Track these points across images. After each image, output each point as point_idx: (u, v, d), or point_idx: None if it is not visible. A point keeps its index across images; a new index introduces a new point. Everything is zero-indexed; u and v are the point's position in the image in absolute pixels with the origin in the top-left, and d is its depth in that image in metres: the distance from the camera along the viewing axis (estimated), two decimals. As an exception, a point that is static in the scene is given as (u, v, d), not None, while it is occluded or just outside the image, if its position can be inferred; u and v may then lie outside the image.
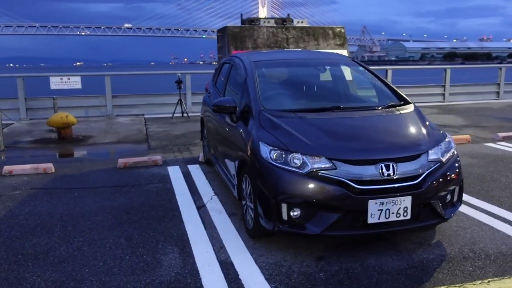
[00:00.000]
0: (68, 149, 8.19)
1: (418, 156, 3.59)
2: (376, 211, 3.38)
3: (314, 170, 3.41)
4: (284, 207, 3.44)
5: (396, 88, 4.62)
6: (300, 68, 5.07)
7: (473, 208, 4.67)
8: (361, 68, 5.04)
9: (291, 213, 3.44)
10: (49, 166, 6.36)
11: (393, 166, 3.45)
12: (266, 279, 3.29)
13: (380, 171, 3.41)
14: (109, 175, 6.20)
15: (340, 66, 5.15)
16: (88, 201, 5.08)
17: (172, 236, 4.06)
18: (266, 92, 4.40)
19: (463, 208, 4.47)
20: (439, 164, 3.66)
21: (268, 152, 3.58)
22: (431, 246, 3.80)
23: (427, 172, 3.55)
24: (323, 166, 3.42)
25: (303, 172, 3.42)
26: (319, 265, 3.48)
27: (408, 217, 3.47)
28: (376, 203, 3.37)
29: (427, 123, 4.10)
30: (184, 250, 3.77)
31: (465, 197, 4.78)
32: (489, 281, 3.20)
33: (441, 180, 3.63)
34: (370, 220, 3.39)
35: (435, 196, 3.57)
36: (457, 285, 3.15)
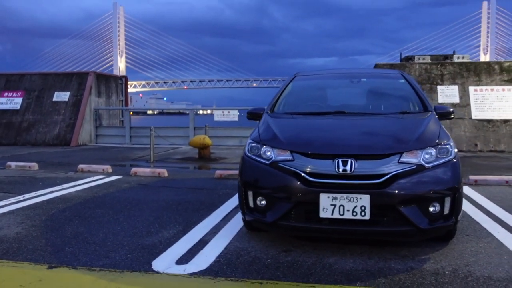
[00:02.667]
0: (198, 163, 9.59)
1: (386, 156, 3.41)
2: (329, 206, 3.36)
3: (276, 161, 3.62)
4: (250, 195, 3.72)
5: (425, 100, 4.35)
6: (336, 80, 5.16)
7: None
8: (402, 80, 4.84)
9: (257, 202, 3.68)
10: (163, 171, 7.72)
11: (351, 162, 3.39)
12: (219, 254, 3.61)
13: (336, 166, 3.40)
14: (203, 182, 7.17)
15: (378, 78, 5.03)
16: (163, 194, 6.10)
17: (187, 220, 4.67)
18: (289, 99, 4.71)
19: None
20: (415, 167, 3.39)
21: (247, 146, 3.95)
22: (411, 259, 3.47)
23: (393, 173, 3.35)
24: (284, 158, 3.61)
25: (267, 163, 3.67)
26: (276, 255, 3.61)
27: (367, 217, 3.32)
28: (328, 197, 3.36)
29: (430, 128, 3.78)
30: (185, 230, 4.34)
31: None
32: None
33: (417, 185, 3.36)
34: (322, 214, 3.38)
35: (405, 201, 3.32)
36: None
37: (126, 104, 16.44)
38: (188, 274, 3.21)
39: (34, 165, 8.57)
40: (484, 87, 12.55)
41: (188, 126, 13.82)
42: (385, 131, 3.79)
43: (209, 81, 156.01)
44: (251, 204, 3.72)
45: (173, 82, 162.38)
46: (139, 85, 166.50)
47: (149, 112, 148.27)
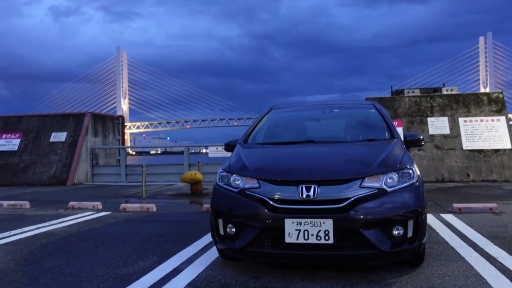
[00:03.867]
0: (189, 198, 9.67)
1: (348, 181, 3.52)
2: (294, 231, 3.45)
3: (244, 189, 3.73)
4: (220, 223, 3.81)
5: (393, 128, 4.52)
6: (310, 111, 5.34)
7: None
8: (373, 110, 5.02)
9: (227, 229, 3.76)
10: (151, 206, 7.80)
11: (314, 188, 3.49)
12: (190, 282, 3.67)
13: (300, 192, 3.51)
14: (190, 215, 7.24)
15: (350, 109, 5.21)
16: (148, 228, 6.17)
17: (166, 251, 4.73)
18: (262, 130, 4.88)
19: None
20: (376, 191, 3.50)
21: (219, 175, 4.08)
22: (377, 283, 3.52)
23: (355, 197, 3.45)
24: (251, 186, 3.72)
25: (236, 191, 3.78)
26: (245, 281, 3.66)
27: (331, 241, 3.39)
28: (293, 223, 3.45)
29: (393, 153, 3.91)
30: (161, 260, 4.40)
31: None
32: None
33: (379, 209, 3.45)
34: (288, 240, 3.46)
35: (367, 224, 3.40)
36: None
37: (123, 143, 16.68)
38: (154, 301, 3.27)
39: (26, 203, 8.68)
40: (473, 118, 12.73)
41: (183, 163, 13.98)
42: (348, 158, 3.92)
43: (211, 120, 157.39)
44: (221, 231, 3.80)
45: (176, 122, 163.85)
46: (142, 126, 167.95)
47: (152, 152, 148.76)
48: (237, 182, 3.83)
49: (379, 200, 3.48)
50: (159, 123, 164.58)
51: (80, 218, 7.15)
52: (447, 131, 12.66)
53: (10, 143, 14.72)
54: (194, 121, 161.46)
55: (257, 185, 3.69)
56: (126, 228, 6.21)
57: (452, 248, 4.62)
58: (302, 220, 3.43)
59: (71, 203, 8.39)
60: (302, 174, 3.64)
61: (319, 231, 3.41)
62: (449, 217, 6.40)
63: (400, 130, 12.78)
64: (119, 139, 16.36)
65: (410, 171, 3.72)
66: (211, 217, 3.91)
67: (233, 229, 3.70)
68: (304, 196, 3.48)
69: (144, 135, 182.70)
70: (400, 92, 14.55)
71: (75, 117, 14.82)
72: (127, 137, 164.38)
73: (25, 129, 14.93)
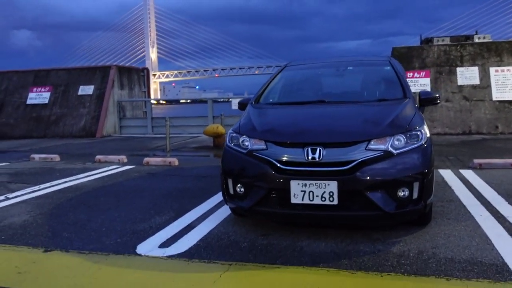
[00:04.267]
0: (212, 152, 9.87)
1: (353, 143, 3.54)
2: (299, 192, 3.53)
3: (252, 150, 3.81)
4: (230, 182, 3.93)
5: (406, 87, 4.42)
6: (324, 69, 5.26)
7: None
8: (388, 67, 4.90)
9: (236, 189, 3.89)
10: (173, 160, 8.03)
11: (320, 150, 3.53)
12: (201, 238, 3.85)
13: (306, 154, 3.56)
14: (210, 169, 7.42)
15: (365, 66, 5.10)
16: (168, 182, 6.40)
17: (182, 207, 4.94)
18: (274, 89, 4.87)
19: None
20: (382, 154, 3.51)
21: (228, 136, 4.15)
22: (381, 242, 3.61)
23: (360, 160, 3.47)
24: (258, 147, 3.79)
25: (244, 152, 3.86)
26: (253, 238, 3.82)
27: (335, 202, 3.47)
28: (298, 184, 3.53)
29: (402, 114, 3.87)
30: (177, 216, 4.60)
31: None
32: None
33: (383, 171, 3.48)
34: (293, 200, 3.55)
35: (371, 186, 3.45)
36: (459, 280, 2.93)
37: (149, 95, 16.91)
38: (166, 256, 3.47)
39: (56, 157, 9.07)
40: (505, 68, 12.20)
41: (207, 115, 14.13)
42: (356, 119, 3.91)
43: (239, 68, 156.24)
44: (231, 191, 3.93)
45: (204, 70, 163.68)
46: (171, 75, 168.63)
47: (182, 101, 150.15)
48: (245, 143, 3.90)
49: (384, 162, 3.50)
50: (188, 72, 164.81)
51: (105, 172, 7.46)
52: (476, 81, 12.22)
53: (41, 96, 15.16)
54: (222, 69, 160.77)
55: (264, 146, 3.75)
56: (147, 182, 6.47)
57: (464, 206, 4.63)
58: (307, 182, 3.50)
59: (98, 157, 8.72)
60: (308, 136, 3.67)
61: (324, 192, 3.48)
62: (468, 173, 6.34)
63: (427, 81, 12.43)
64: (144, 91, 16.58)
65: (419, 133, 3.69)
66: (221, 176, 4.03)
67: (242, 189, 3.82)
68: (309, 158, 3.53)
69: (173, 84, 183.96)
70: (429, 41, 14.01)
71: (101, 70, 15.04)
72: (156, 86, 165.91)
73: (54, 82, 15.30)
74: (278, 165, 3.61)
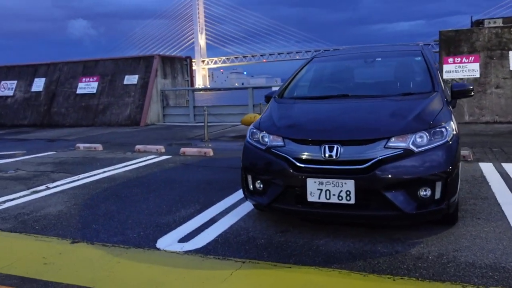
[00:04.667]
0: (249, 142, 9.90)
1: (372, 141, 3.43)
2: (316, 190, 3.48)
3: (270, 147, 3.79)
4: (249, 178, 3.94)
5: (435, 79, 4.20)
6: (351, 61, 5.09)
7: None
8: (419, 58, 4.68)
9: (256, 185, 3.89)
10: (208, 151, 8.15)
11: (337, 148, 3.45)
12: (220, 234, 3.90)
13: (323, 152, 3.49)
14: (243, 160, 7.47)
15: (394, 57, 4.88)
16: (200, 174, 6.51)
17: (208, 200, 5.01)
18: (299, 83, 4.79)
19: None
20: (402, 152, 3.38)
21: (249, 131, 4.15)
22: (401, 242, 3.50)
23: (379, 158, 3.36)
24: (277, 144, 3.76)
25: (263, 148, 3.84)
26: (271, 235, 3.82)
27: (352, 201, 3.40)
28: (315, 182, 3.48)
29: (427, 110, 3.69)
30: (202, 209, 4.68)
31: None
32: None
33: (403, 170, 3.36)
34: (310, 198, 3.51)
35: (390, 186, 3.34)
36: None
37: (191, 84, 17.16)
38: (183, 251, 3.55)
39: (99, 147, 9.45)
40: None
41: (247, 104, 14.16)
42: (377, 116, 3.77)
43: (287, 53, 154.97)
44: (250, 187, 3.94)
45: (252, 56, 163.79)
46: (220, 61, 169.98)
47: (230, 87, 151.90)
48: (265, 140, 3.88)
49: (404, 161, 3.37)
50: (235, 58, 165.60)
51: (142, 162, 7.69)
52: (531, 66, 11.46)
53: (89, 86, 15.76)
54: (270, 54, 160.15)
55: (282, 143, 3.72)
56: (179, 173, 6.60)
57: (498, 205, 4.40)
58: (324, 180, 3.45)
59: (137, 147, 8.99)
60: (326, 133, 3.60)
61: (341, 191, 3.41)
62: (510, 168, 6.00)
63: (476, 66, 11.80)
64: (187, 80, 16.83)
65: (443, 130, 3.52)
66: (241, 172, 4.04)
67: (261, 185, 3.82)
68: (326, 156, 3.47)
69: (221, 70, 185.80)
70: (480, 23, 13.24)
71: (145, 60, 15.41)
72: (205, 72, 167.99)
73: (102, 72, 15.85)
74: (295, 162, 3.57)
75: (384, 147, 3.41)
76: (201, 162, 7.46)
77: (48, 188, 5.92)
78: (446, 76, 11.91)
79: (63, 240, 3.93)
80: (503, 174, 5.65)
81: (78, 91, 15.85)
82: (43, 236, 4.04)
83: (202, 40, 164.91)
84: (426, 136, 3.47)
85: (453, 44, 12.13)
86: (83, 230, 4.17)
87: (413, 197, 3.38)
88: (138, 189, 5.70)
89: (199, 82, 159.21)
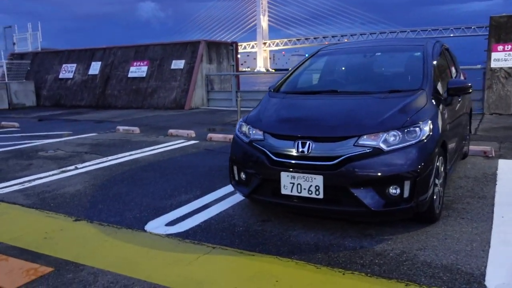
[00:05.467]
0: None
1: (342, 138, 3.52)
2: (289, 184, 3.65)
3: (252, 140, 3.98)
4: (235, 169, 4.17)
5: (426, 77, 4.14)
6: (351, 55, 5.07)
7: (510, 226, 3.69)
8: (418, 53, 4.60)
9: (240, 176, 4.12)
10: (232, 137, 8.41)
11: (309, 144, 3.58)
12: (206, 220, 4.17)
13: (296, 147, 3.64)
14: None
15: (395, 52, 4.81)
16: (216, 159, 6.81)
17: (211, 186, 5.29)
18: (296, 77, 4.90)
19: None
20: (371, 150, 3.45)
21: (238, 124, 4.35)
22: (370, 238, 3.59)
23: (347, 156, 3.46)
24: (258, 137, 3.95)
25: (247, 141, 4.04)
26: (252, 224, 4.03)
27: (321, 196, 3.53)
28: (288, 176, 3.65)
29: (405, 109, 3.70)
30: (201, 195, 4.97)
31: None
32: None
33: (370, 168, 3.43)
34: (283, 191, 3.68)
35: (356, 183, 3.43)
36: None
37: (237, 69, 17.45)
38: (165, 234, 3.86)
39: (136, 129, 10.03)
40: None
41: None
42: (355, 113, 3.83)
43: (351, 35, 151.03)
44: (236, 177, 4.17)
45: (314, 38, 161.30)
46: (281, 43, 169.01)
47: (290, 68, 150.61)
48: (249, 133, 4.07)
49: (372, 159, 3.44)
50: (297, 40, 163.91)
51: (169, 146, 8.12)
52: None
53: (140, 70, 16.54)
54: (332, 36, 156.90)
55: (262, 137, 3.90)
56: (198, 159, 6.94)
57: (492, 205, 4.30)
58: (296, 175, 3.60)
59: (170, 131, 9.46)
60: (300, 129, 3.73)
61: (311, 186, 3.55)
62: (528, 165, 5.75)
63: (527, 54, 11.07)
64: (233, 65, 17.15)
65: (417, 129, 3.53)
66: (229, 163, 4.27)
67: (244, 176, 4.03)
68: (299, 151, 3.61)
69: (283, 53, 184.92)
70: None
71: (191, 45, 15.89)
72: (266, 54, 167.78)
73: (151, 57, 16.55)
74: (272, 156, 3.74)
75: (354, 145, 3.49)
76: (223, 148, 7.75)
77: (76, 169, 6.48)
78: (494, 64, 11.32)
79: (69, 217, 4.38)
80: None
81: (130, 75, 16.69)
82: (53, 213, 4.52)
83: (264, 22, 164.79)
84: (399, 135, 3.50)
85: (504, 30, 11.44)
86: (89, 210, 4.60)
87: (381, 195, 3.45)
88: (154, 173, 6.10)
89: (260, 64, 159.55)
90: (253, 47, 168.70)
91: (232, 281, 3.02)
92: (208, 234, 3.83)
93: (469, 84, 4.25)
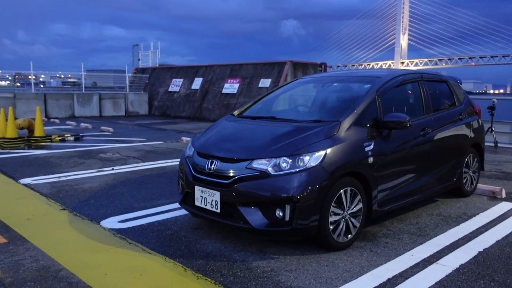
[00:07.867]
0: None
1: (238, 160, 3.91)
2: (200, 197, 4.17)
3: (187, 156, 4.56)
4: (179, 179, 4.78)
5: (351, 110, 4.24)
6: (313, 84, 5.27)
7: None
8: (367, 86, 4.64)
9: (179, 185, 4.70)
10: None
11: (215, 163, 4.06)
12: (154, 222, 4.84)
13: (207, 165, 4.13)
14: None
15: (349, 83, 4.88)
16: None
17: (192, 195, 5.92)
18: (259, 102, 5.31)
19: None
20: (258, 174, 3.78)
21: (190, 140, 4.95)
22: (255, 255, 3.90)
23: (238, 176, 3.85)
24: (190, 154, 4.52)
25: (184, 156, 4.64)
26: (185, 230, 4.59)
27: (218, 210, 3.98)
28: (199, 190, 4.16)
29: (302, 139, 3.95)
30: (176, 200, 5.64)
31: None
32: None
33: (255, 190, 3.78)
34: (196, 203, 4.21)
35: (244, 202, 3.81)
36: None
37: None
38: (108, 228, 4.62)
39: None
40: None
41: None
42: (262, 138, 4.15)
43: (503, 56, 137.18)
44: (179, 186, 4.78)
45: (459, 58, 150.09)
46: (421, 63, 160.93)
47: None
48: (188, 149, 4.67)
49: (259, 182, 3.78)
50: (439, 60, 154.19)
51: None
52: None
53: (232, 86, 17.87)
54: (480, 57, 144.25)
55: (191, 154, 4.47)
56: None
57: (421, 243, 4.20)
58: (204, 189, 4.11)
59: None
60: (213, 150, 4.22)
61: (212, 200, 4.03)
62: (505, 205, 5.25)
63: None
64: (320, 85, 17.47)
65: (306, 158, 3.77)
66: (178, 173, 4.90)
67: (180, 187, 4.63)
68: (207, 169, 4.10)
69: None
70: None
71: (278, 65, 16.68)
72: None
73: (243, 75, 17.77)
74: (192, 171, 4.29)
75: (246, 167, 3.87)
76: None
77: (112, 170, 7.65)
78: None
79: (59, 206, 5.42)
80: (499, 212, 5.03)
81: (223, 91, 18.12)
82: (53, 202, 5.61)
83: (403, 41, 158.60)
84: (288, 162, 3.78)
85: None
86: (81, 202, 5.60)
87: (267, 215, 3.77)
88: (161, 179, 6.96)
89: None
90: (389, 66, 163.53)
91: (111, 269, 3.62)
92: (139, 233, 4.49)
93: (407, 119, 4.24)
